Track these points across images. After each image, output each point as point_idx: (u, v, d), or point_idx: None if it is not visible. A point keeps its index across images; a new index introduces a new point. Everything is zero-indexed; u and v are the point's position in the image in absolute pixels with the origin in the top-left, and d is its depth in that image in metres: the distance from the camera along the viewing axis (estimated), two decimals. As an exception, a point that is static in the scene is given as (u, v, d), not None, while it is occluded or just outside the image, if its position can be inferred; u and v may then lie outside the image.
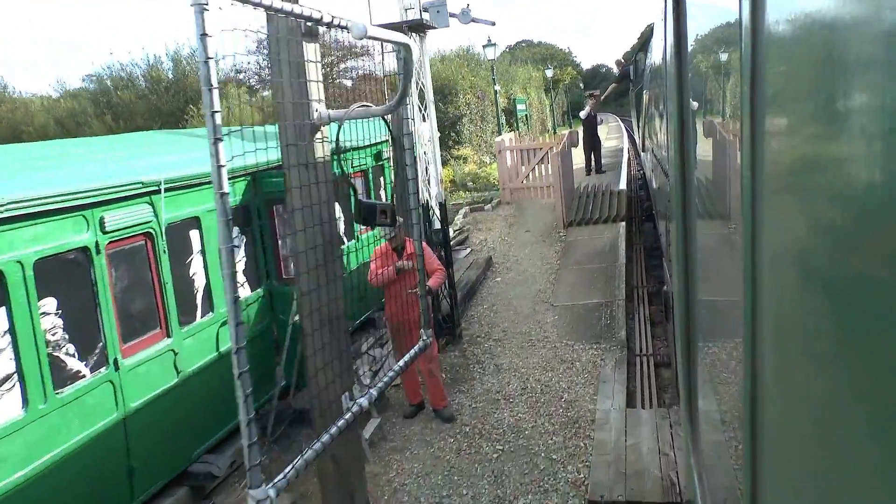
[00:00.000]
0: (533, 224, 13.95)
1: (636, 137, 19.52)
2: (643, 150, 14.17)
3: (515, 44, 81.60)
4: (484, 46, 22.19)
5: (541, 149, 15.15)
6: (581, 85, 69.31)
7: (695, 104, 2.30)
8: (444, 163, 20.16)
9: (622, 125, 42.16)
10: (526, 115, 31.65)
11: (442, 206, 8.46)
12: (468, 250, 12.45)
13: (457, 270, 11.06)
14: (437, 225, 8.57)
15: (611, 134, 37.88)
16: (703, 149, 2.13)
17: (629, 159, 23.30)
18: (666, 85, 3.37)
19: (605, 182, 16.36)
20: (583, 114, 18.93)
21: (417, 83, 8.27)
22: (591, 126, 18.59)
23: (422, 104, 8.33)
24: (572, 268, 11.02)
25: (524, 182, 15.42)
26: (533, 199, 15.55)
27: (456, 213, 14.69)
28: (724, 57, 1.64)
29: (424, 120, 8.38)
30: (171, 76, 26.47)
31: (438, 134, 12.84)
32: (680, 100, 2.41)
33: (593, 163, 18.91)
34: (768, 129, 1.15)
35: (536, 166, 15.23)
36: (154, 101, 25.12)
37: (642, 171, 16.36)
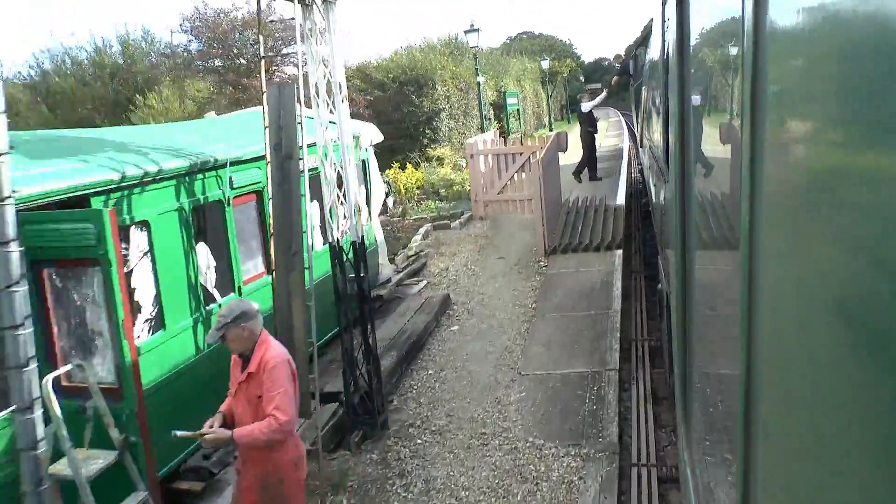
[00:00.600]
0: (508, 248, 11.35)
1: (636, 132, 17.30)
2: (641, 147, 13.25)
3: (516, 35, 79.18)
4: (466, 32, 19.49)
5: (521, 154, 12.49)
6: (581, 78, 66.70)
7: (696, 99, 2.21)
8: (417, 165, 17.52)
9: (622, 120, 39.71)
10: (518, 110, 28.99)
11: (359, 247, 5.93)
12: (423, 283, 9.89)
13: (401, 316, 8.55)
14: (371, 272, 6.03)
15: (610, 130, 35.33)
16: (704, 148, 2.08)
17: (629, 159, 20.73)
18: (664, 81, 3.45)
19: (600, 195, 13.67)
20: (585, 107, 15.71)
21: (324, 73, 5.72)
22: (591, 124, 15.69)
23: (330, 99, 5.80)
24: (551, 315, 8.49)
25: (500, 193, 12.77)
26: (511, 214, 12.88)
27: (415, 232, 12.03)
28: (732, 52, 1.57)
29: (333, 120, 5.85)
30: (120, 61, 23.70)
31: (376, 140, 10.24)
32: (681, 98, 2.41)
33: (587, 169, 16.24)
34: (770, 129, 1.13)
35: (516, 174, 12.58)
36: (99, 89, 22.37)
37: (641, 166, 14.82)
